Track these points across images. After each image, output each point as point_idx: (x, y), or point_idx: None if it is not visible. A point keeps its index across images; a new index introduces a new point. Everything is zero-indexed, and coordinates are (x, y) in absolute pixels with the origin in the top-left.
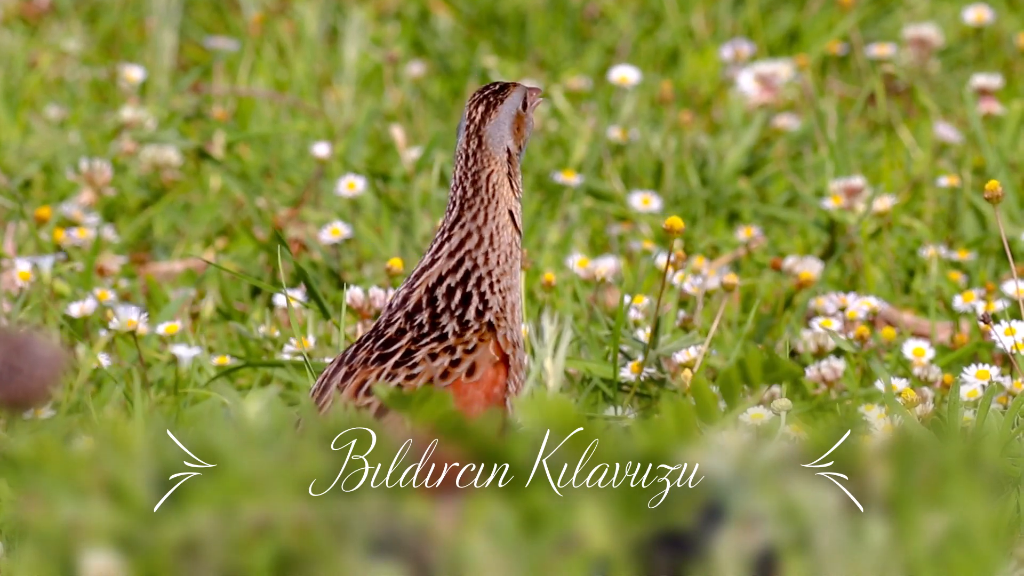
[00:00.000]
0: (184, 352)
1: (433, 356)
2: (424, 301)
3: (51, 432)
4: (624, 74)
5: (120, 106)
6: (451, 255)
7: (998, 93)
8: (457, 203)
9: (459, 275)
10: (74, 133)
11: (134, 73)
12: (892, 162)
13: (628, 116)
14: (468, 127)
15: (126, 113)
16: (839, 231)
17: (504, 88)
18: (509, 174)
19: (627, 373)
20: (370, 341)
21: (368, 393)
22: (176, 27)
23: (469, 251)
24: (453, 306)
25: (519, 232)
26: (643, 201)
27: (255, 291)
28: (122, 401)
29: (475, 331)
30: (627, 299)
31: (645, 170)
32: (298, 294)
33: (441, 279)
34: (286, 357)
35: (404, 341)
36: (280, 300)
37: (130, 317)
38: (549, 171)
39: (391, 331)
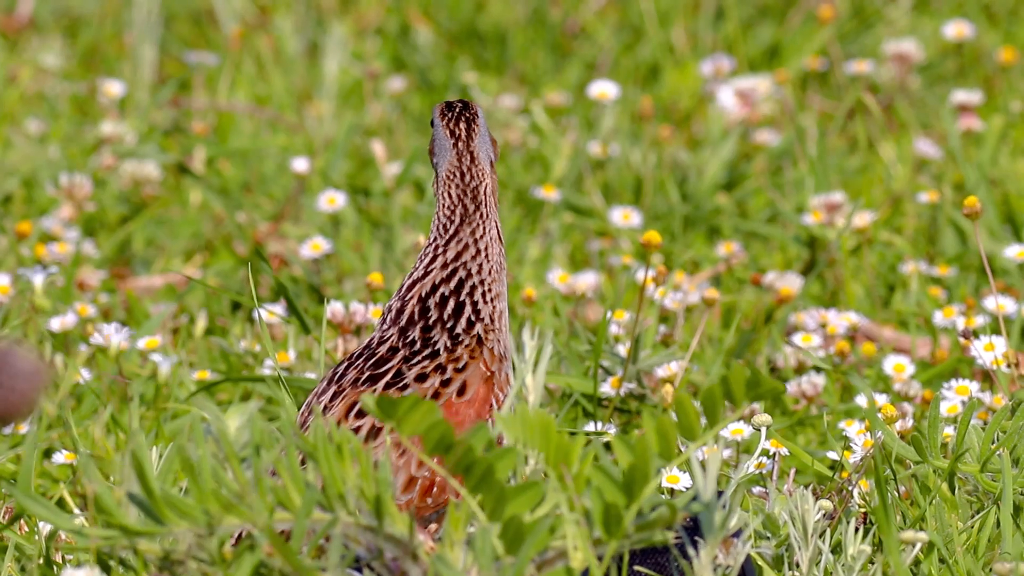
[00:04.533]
0: (162, 360)
1: (423, 377)
2: (417, 312)
3: (31, 447)
4: (604, 89)
5: (100, 121)
6: (445, 266)
7: (978, 109)
8: (457, 219)
9: (453, 284)
10: (54, 147)
11: (114, 88)
12: (872, 178)
13: (608, 131)
14: (458, 144)
15: (106, 128)
16: (819, 247)
17: (467, 104)
18: (495, 188)
19: (607, 388)
20: (361, 360)
21: (359, 416)
22: (156, 41)
23: (464, 262)
24: (446, 316)
25: (502, 242)
26: (623, 216)
27: (236, 306)
28: (102, 416)
29: (466, 346)
30: (608, 314)
31: (625, 185)
32: (279, 309)
33: (435, 288)
34: (267, 372)
35: (395, 360)
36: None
37: (111, 334)
38: (529, 186)
39: (383, 350)
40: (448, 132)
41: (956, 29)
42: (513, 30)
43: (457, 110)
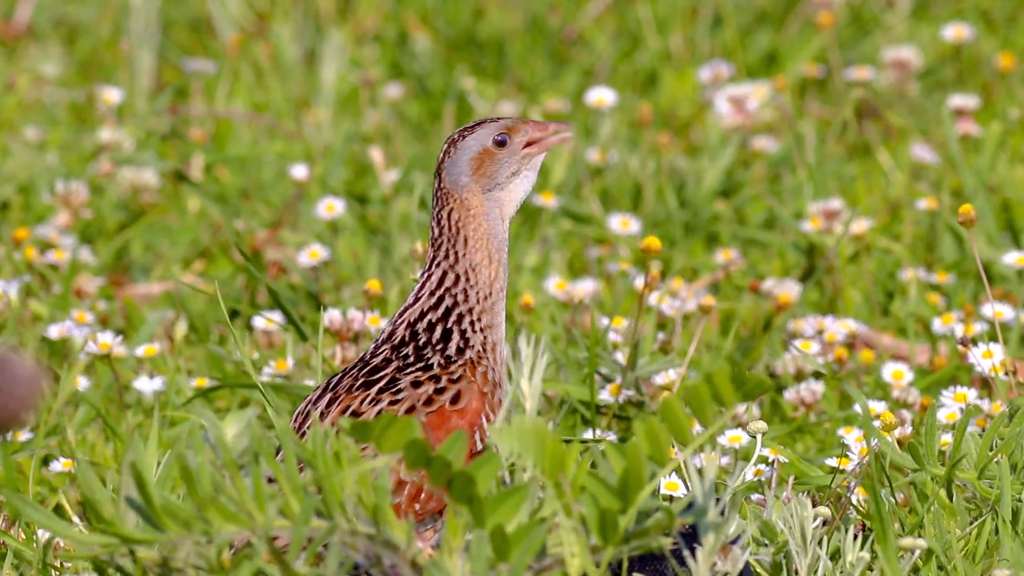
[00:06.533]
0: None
1: (417, 384)
2: (407, 335)
3: (29, 454)
4: (602, 96)
5: (98, 128)
6: (432, 293)
7: (976, 114)
8: (431, 243)
9: (440, 311)
10: (52, 155)
11: (112, 95)
12: (870, 184)
13: (606, 138)
14: (436, 166)
15: (104, 135)
16: (818, 253)
17: (478, 125)
18: (473, 214)
19: (606, 395)
20: (355, 369)
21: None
22: (154, 49)
23: (448, 288)
24: (434, 340)
25: (503, 275)
26: (622, 223)
27: (235, 313)
28: (100, 424)
29: (460, 364)
30: (605, 321)
31: (623, 192)
32: (277, 316)
33: (423, 315)
34: (265, 379)
35: (390, 369)
36: (259, 322)
37: (105, 340)
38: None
39: (377, 360)
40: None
41: (954, 35)
42: (511, 37)
43: (457, 130)
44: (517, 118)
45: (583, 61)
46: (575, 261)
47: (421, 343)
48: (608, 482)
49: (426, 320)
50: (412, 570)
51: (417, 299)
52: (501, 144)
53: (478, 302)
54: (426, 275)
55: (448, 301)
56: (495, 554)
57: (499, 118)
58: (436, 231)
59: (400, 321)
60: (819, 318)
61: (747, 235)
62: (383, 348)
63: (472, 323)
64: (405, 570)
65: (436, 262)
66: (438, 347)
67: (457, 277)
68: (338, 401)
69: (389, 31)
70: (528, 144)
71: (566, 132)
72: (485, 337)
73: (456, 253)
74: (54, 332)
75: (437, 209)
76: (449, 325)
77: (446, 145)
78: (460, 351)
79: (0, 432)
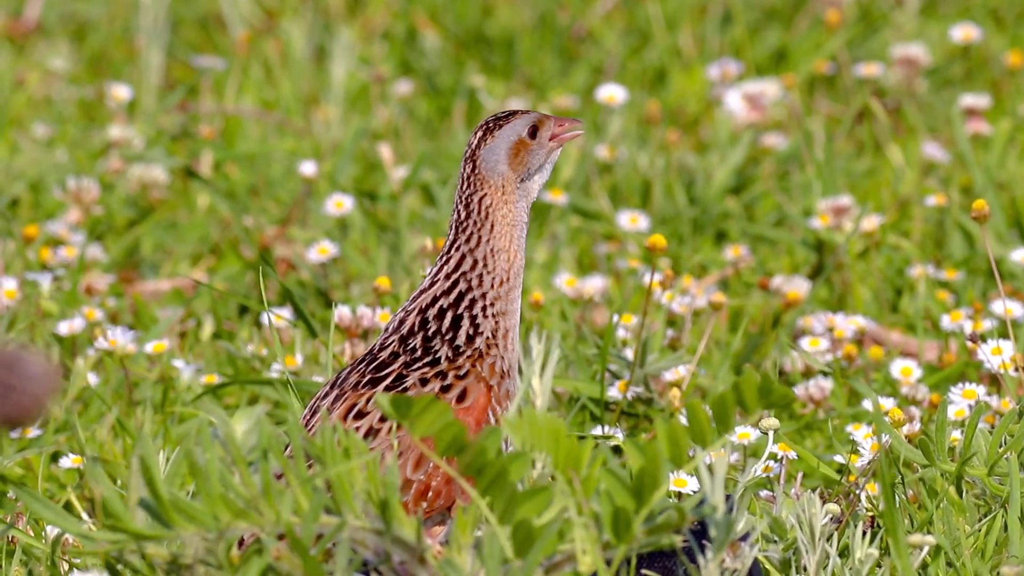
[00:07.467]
0: (184, 366)
1: (424, 381)
2: (417, 324)
3: (39, 450)
4: (611, 93)
5: (107, 125)
6: (448, 277)
7: (986, 112)
8: (453, 226)
9: (452, 296)
10: (61, 152)
11: (121, 92)
12: (880, 181)
13: (615, 135)
14: (466, 152)
15: (113, 132)
16: (827, 250)
17: (511, 115)
18: (506, 200)
19: (615, 392)
20: (363, 364)
21: (357, 417)
22: (163, 46)
23: (464, 273)
24: (444, 328)
25: (521, 259)
26: (631, 220)
27: (243, 309)
28: (109, 420)
29: (467, 356)
30: (615, 318)
31: (633, 189)
32: (286, 313)
33: (435, 300)
34: (274, 375)
35: (396, 365)
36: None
37: (116, 338)
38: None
39: (384, 355)
40: (469, 139)
41: (963, 33)
42: (520, 34)
43: (491, 118)
44: (540, 112)
45: (592, 58)
46: (584, 258)
47: (430, 332)
48: (624, 481)
49: (437, 306)
50: (421, 566)
51: (433, 283)
52: (533, 135)
53: (492, 287)
54: (444, 258)
55: (462, 285)
56: (515, 551)
57: (528, 110)
58: (463, 215)
59: (412, 307)
60: (828, 315)
61: (756, 232)
62: (391, 339)
63: (484, 308)
64: (414, 566)
65: (456, 246)
66: (447, 336)
67: (475, 262)
68: (344, 398)
69: (398, 28)
70: (551, 137)
71: (579, 129)
72: (497, 323)
73: (480, 237)
74: (64, 329)
75: (468, 193)
76: (460, 311)
77: (480, 132)
78: (470, 339)
79: (14, 428)
